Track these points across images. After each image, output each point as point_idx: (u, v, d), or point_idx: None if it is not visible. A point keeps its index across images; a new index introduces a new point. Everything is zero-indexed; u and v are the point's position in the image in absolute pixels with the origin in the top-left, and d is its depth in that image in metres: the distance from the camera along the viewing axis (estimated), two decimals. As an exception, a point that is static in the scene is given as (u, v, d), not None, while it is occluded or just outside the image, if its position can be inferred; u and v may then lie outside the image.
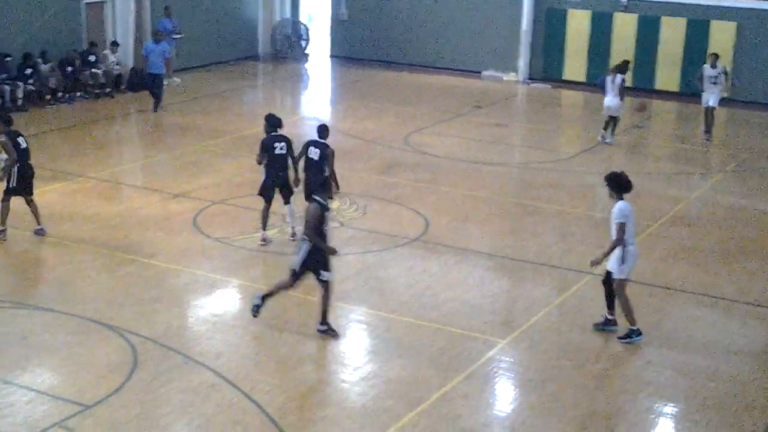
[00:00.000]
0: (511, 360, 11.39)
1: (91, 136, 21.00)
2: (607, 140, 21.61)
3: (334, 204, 16.32)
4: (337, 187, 14.33)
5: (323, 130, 14.23)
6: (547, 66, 29.10)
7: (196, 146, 20.33)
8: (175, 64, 27.00)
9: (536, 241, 15.35)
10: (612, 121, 21.59)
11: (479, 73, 29.86)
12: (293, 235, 14.57)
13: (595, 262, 11.80)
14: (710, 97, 22.09)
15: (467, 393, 10.50)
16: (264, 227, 14.58)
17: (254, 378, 10.52)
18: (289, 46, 32.30)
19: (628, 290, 11.90)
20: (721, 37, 26.82)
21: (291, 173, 14.44)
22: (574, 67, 28.70)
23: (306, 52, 32.69)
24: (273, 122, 14.36)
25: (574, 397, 10.49)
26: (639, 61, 27.67)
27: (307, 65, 31.91)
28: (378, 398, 10.35)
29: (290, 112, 26.15)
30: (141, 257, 13.94)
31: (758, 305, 13.20)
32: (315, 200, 11.05)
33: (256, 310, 11.63)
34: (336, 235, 15.06)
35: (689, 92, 27.08)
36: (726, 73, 22.60)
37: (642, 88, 27.54)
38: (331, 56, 32.42)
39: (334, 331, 11.57)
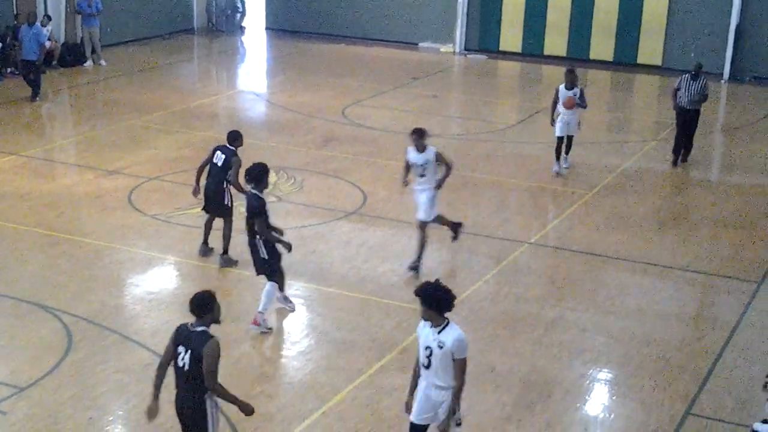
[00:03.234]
0: (449, 331, 11.45)
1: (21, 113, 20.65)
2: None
3: (271, 178, 16.27)
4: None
5: (234, 137, 12.73)
6: (483, 37, 29.18)
7: (130, 122, 20.05)
8: (109, 39, 26.57)
9: (473, 211, 15.44)
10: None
11: (416, 44, 29.84)
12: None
13: (459, 423, 8.04)
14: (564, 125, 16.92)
15: (405, 365, 10.54)
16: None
17: (191, 355, 10.46)
18: (224, 19, 31.95)
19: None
20: (655, 5, 27.12)
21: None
22: (510, 38, 28.82)
23: (242, 24, 32.38)
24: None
25: (511, 365, 10.61)
26: (574, 30, 27.92)
27: (243, 38, 31.62)
28: (316, 372, 10.37)
29: (227, 85, 25.97)
30: (75, 236, 13.75)
31: (690, 270, 13.46)
32: (212, 336, 7.77)
33: None
34: (273, 209, 14.94)
35: (623, 62, 27.50)
36: (581, 96, 16.86)
37: (577, 57, 27.79)
38: (267, 29, 32.15)
39: None
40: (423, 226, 12.74)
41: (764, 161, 18.93)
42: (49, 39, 24.50)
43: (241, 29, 32.23)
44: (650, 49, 27.36)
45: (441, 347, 7.76)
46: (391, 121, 20.93)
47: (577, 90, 16.78)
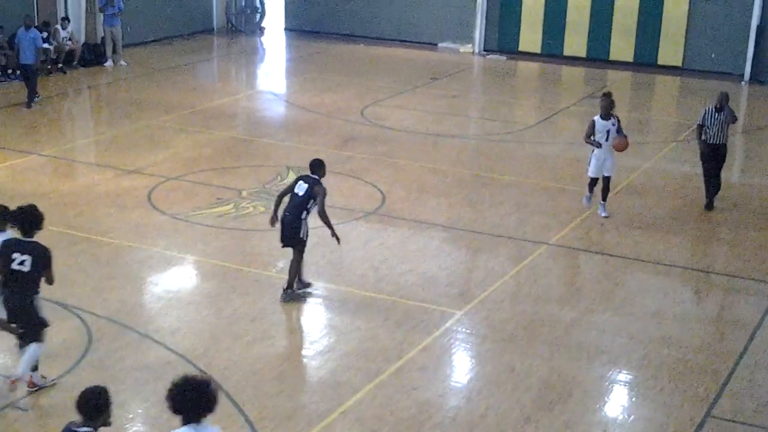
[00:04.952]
0: (468, 331, 11.45)
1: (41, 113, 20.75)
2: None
3: (290, 178, 16.33)
4: (334, 235, 11.80)
5: (317, 165, 11.88)
6: (502, 37, 29.13)
7: (149, 121, 20.12)
8: (129, 39, 26.69)
9: (492, 212, 15.41)
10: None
11: (435, 45, 29.82)
12: None
13: None
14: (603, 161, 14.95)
15: (424, 365, 10.54)
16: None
17: (210, 354, 10.49)
18: (244, 19, 32.04)
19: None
20: (675, 6, 26.99)
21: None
22: (530, 38, 28.76)
23: (261, 25, 32.45)
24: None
25: (530, 366, 10.57)
26: (594, 31, 27.83)
27: (262, 38, 31.69)
28: (335, 371, 10.37)
29: (246, 85, 26.03)
30: (95, 234, 13.81)
31: (710, 272, 13.37)
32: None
33: None
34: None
35: (644, 62, 27.38)
36: (619, 127, 14.92)
37: (597, 58, 27.74)
38: (286, 29, 32.20)
39: None
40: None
41: (786, 163, 18.82)
42: (70, 39, 24.68)
43: (261, 29, 32.30)
44: (671, 50, 27.24)
45: None
46: (410, 122, 20.91)
47: (614, 120, 14.79)
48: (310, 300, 12.02)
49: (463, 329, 11.45)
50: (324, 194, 11.64)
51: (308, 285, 12.13)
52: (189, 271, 13.01)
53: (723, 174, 15.97)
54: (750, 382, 10.41)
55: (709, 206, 15.76)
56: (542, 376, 10.36)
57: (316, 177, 11.80)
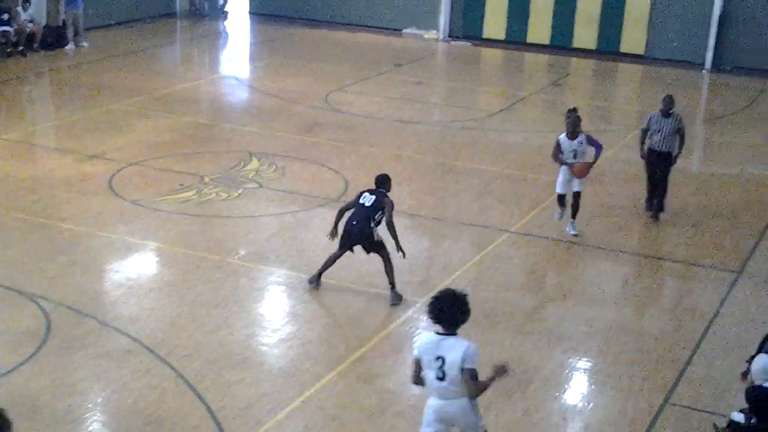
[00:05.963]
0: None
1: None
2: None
3: (253, 164, 16.28)
4: (400, 249, 11.68)
5: (383, 180, 11.89)
6: (467, 24, 29.14)
7: (111, 106, 19.93)
8: (91, 22, 26.39)
9: (455, 199, 15.45)
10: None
11: (400, 31, 29.78)
12: None
13: None
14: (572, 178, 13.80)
15: (385, 353, 10.57)
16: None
17: (171, 343, 10.43)
18: (207, 3, 31.78)
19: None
20: (638, -6, 27.17)
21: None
22: (494, 25, 28.79)
23: (225, 9, 32.22)
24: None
25: (491, 353, 10.58)
26: (557, 18, 27.92)
27: (226, 23, 31.47)
28: (297, 360, 10.36)
29: (209, 70, 25.84)
30: (54, 220, 13.67)
31: (669, 260, 13.51)
32: None
33: None
34: (255, 196, 14.98)
35: (606, 50, 27.52)
36: (591, 140, 13.78)
37: (560, 45, 27.83)
38: (250, 13, 32.01)
39: None
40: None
41: (745, 151, 19.02)
42: (31, 21, 24.36)
43: (224, 14, 32.06)
44: (633, 38, 27.39)
45: None
46: (374, 108, 20.89)
47: (582, 137, 13.64)
48: (272, 287, 12.00)
49: (425, 317, 11.43)
50: (392, 206, 11.65)
51: (400, 297, 11.86)
52: (150, 258, 12.93)
53: (681, 161, 15.70)
54: (708, 369, 10.54)
55: (654, 215, 14.79)
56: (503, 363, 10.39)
57: (383, 191, 11.82)
